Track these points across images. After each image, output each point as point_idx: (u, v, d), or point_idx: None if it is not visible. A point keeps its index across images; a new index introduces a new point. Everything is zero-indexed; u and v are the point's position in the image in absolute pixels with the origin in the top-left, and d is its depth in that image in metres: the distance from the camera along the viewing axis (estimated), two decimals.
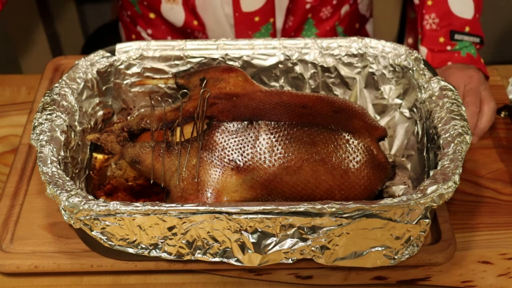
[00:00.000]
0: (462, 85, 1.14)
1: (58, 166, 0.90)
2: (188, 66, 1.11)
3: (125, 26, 1.49)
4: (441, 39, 1.21)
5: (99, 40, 2.03)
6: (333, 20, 1.41)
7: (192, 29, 1.37)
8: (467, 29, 1.21)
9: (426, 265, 0.96)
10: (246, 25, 1.34)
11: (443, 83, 1.00)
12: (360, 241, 0.87)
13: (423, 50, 1.22)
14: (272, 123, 0.94)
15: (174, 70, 1.11)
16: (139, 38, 1.45)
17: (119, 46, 1.10)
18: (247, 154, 0.93)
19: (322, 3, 1.38)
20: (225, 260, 0.89)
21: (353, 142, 0.94)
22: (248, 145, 0.93)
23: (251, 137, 0.93)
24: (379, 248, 0.88)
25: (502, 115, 1.19)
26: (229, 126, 0.94)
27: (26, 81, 1.31)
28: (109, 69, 1.09)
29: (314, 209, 0.83)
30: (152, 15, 1.39)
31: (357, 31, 1.48)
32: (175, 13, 1.36)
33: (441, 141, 0.93)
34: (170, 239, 0.87)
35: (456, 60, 1.19)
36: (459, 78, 1.15)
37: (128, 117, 1.14)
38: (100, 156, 1.10)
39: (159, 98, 1.01)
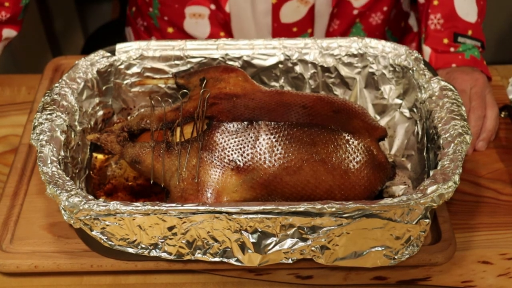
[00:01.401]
0: (468, 88, 1.15)
1: (58, 166, 0.90)
2: (188, 66, 1.11)
3: (136, 33, 1.47)
4: (445, 40, 1.21)
5: (99, 40, 2.03)
6: (383, 26, 1.39)
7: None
8: (469, 32, 1.21)
9: (426, 265, 0.96)
10: (283, 35, 1.33)
11: (443, 83, 1.00)
12: (360, 241, 0.87)
13: (427, 49, 1.22)
14: (272, 123, 0.94)
15: (174, 70, 1.11)
16: None
17: (119, 46, 1.10)
18: (247, 155, 0.93)
19: (371, 9, 1.36)
20: (225, 260, 0.89)
21: (353, 142, 0.94)
22: (248, 145, 0.93)
23: (251, 137, 0.93)
24: (379, 248, 0.88)
25: (502, 115, 1.19)
26: (229, 126, 0.94)
27: (26, 81, 1.31)
28: (109, 69, 1.09)
29: (314, 209, 0.83)
30: (170, 30, 1.38)
31: (402, 29, 1.47)
32: (200, 27, 1.34)
33: (441, 141, 0.93)
34: (170, 239, 0.87)
35: (460, 63, 1.19)
36: (465, 81, 1.15)
37: (128, 117, 1.14)
38: (100, 156, 1.10)
39: (159, 98, 1.01)
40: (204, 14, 1.32)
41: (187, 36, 1.38)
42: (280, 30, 1.33)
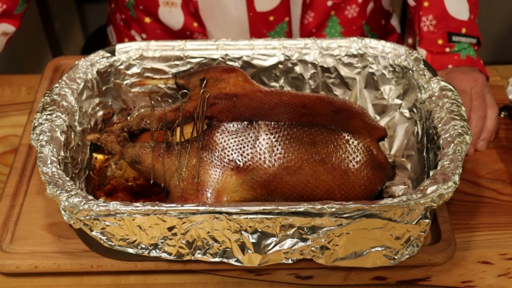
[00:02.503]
0: (468, 88, 1.14)
1: (58, 166, 0.90)
2: (188, 66, 1.11)
3: (117, 29, 1.48)
4: (440, 41, 1.21)
5: (99, 40, 2.03)
6: (360, 20, 1.39)
7: (192, 31, 1.36)
8: (463, 30, 1.21)
9: (426, 265, 0.96)
10: (261, 25, 1.32)
11: (443, 83, 1.00)
12: (360, 241, 0.87)
13: (422, 52, 1.22)
14: (272, 123, 0.94)
15: (174, 70, 1.11)
16: (132, 41, 1.44)
17: (119, 46, 1.10)
18: (247, 154, 0.93)
19: (346, 1, 1.36)
20: (225, 260, 0.89)
21: (353, 142, 0.94)
22: (248, 145, 0.93)
23: (251, 137, 0.93)
24: (379, 248, 0.88)
25: (502, 115, 1.19)
26: (229, 126, 0.94)
27: (26, 81, 1.31)
28: (109, 69, 1.09)
29: (314, 209, 0.83)
30: (147, 20, 1.38)
31: (383, 27, 1.47)
32: (174, 16, 1.34)
33: (441, 141, 0.93)
34: (170, 239, 0.87)
35: (456, 63, 1.19)
36: (465, 81, 1.15)
37: (128, 117, 1.14)
38: (100, 156, 1.10)
39: (159, 98, 1.01)
40: (177, 2, 1.32)
41: (163, 26, 1.37)
42: (256, 20, 1.32)
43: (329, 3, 1.34)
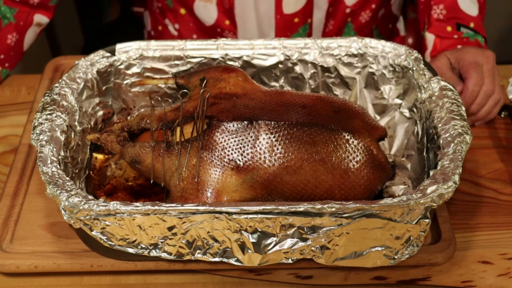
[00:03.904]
0: (481, 62, 1.15)
1: (58, 166, 0.90)
2: (188, 66, 1.11)
3: (153, 16, 1.49)
4: (449, 28, 1.23)
5: (99, 40, 2.03)
6: (371, 24, 1.42)
7: (222, 28, 1.37)
8: (472, 25, 1.22)
9: (426, 265, 0.96)
10: (285, 27, 1.35)
11: (443, 83, 1.00)
12: (360, 241, 0.87)
13: (430, 36, 1.24)
14: (272, 123, 0.94)
15: (174, 70, 1.11)
16: (165, 30, 1.46)
17: (119, 46, 1.10)
18: (247, 154, 0.93)
19: (362, 8, 1.39)
20: (225, 260, 0.89)
21: (353, 142, 0.94)
22: (248, 145, 0.93)
23: (251, 137, 0.93)
24: (379, 248, 0.88)
25: (502, 115, 1.19)
26: (229, 126, 0.94)
27: (26, 81, 1.31)
28: (109, 69, 1.09)
29: (314, 209, 0.83)
30: (182, 11, 1.40)
31: (390, 31, 1.49)
32: (208, 11, 1.36)
33: (441, 141, 0.93)
34: (170, 239, 0.87)
35: (465, 44, 1.21)
36: (478, 55, 1.16)
37: (128, 117, 1.14)
38: (100, 156, 1.10)
39: (159, 98, 1.01)
40: None
41: (196, 20, 1.39)
42: (282, 22, 1.34)
43: (348, 10, 1.37)
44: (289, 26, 1.35)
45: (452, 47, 1.21)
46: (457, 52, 1.18)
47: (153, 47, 1.10)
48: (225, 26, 1.37)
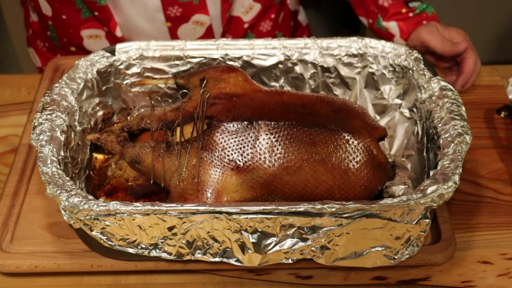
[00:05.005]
0: (468, 38, 1.23)
1: (58, 166, 0.90)
2: (188, 66, 1.11)
3: (40, 53, 1.46)
4: (403, 10, 1.29)
5: None
6: (273, 31, 1.42)
7: None
8: None
9: (426, 265, 0.96)
10: None
11: (443, 83, 1.00)
12: (360, 241, 0.87)
13: (392, 23, 1.29)
14: (272, 123, 0.94)
15: (174, 70, 1.11)
16: None
17: (119, 46, 1.10)
18: (247, 154, 0.93)
19: (260, 19, 1.39)
20: (225, 260, 0.89)
21: (353, 142, 0.94)
22: (248, 145, 0.93)
23: (251, 137, 0.93)
24: (379, 248, 0.88)
25: (502, 115, 1.19)
26: (229, 126, 0.94)
27: (26, 81, 1.31)
28: (109, 69, 1.09)
29: (314, 209, 0.83)
30: (73, 48, 1.38)
31: (293, 27, 1.50)
32: (100, 45, 1.34)
33: (441, 141, 0.93)
34: (170, 239, 0.87)
35: (427, 19, 1.28)
36: (460, 31, 1.25)
37: (128, 117, 1.14)
38: (100, 156, 1.10)
39: (159, 98, 1.01)
40: (101, 35, 1.34)
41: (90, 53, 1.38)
42: None
43: (246, 25, 1.38)
44: None
45: (418, 25, 1.27)
46: (434, 29, 1.24)
47: (153, 47, 1.10)
48: None
